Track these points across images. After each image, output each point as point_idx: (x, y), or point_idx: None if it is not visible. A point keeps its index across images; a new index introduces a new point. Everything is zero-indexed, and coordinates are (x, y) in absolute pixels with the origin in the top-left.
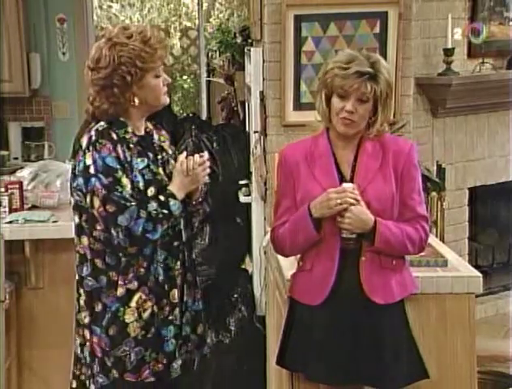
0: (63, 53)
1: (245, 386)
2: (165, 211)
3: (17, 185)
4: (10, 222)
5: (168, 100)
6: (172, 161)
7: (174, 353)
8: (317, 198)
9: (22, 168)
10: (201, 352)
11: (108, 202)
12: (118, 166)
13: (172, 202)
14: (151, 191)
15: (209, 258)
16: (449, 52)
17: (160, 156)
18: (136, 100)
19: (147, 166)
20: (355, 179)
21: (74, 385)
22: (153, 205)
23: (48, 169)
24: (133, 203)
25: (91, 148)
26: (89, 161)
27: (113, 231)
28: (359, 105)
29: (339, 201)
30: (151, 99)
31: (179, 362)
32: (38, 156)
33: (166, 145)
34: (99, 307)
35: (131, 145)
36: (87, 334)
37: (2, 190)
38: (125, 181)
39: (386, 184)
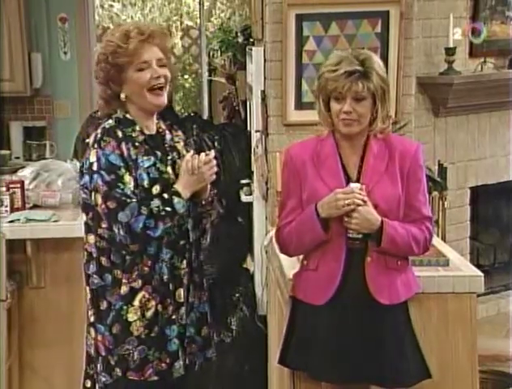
0: (65, 53)
1: (247, 386)
2: (168, 209)
3: (18, 185)
4: (12, 221)
5: (162, 101)
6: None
7: (177, 353)
8: (323, 198)
9: (23, 167)
10: (204, 355)
11: (109, 198)
12: (121, 164)
13: (176, 200)
14: (155, 189)
15: (210, 257)
16: (450, 51)
17: (170, 156)
18: (122, 95)
19: (154, 164)
20: (361, 180)
21: (88, 385)
22: (156, 202)
23: (49, 169)
24: (133, 200)
25: (96, 146)
26: (93, 159)
27: (114, 228)
28: (356, 105)
29: (346, 201)
30: (136, 94)
31: (182, 362)
32: (39, 156)
33: (180, 146)
34: (104, 305)
35: (137, 143)
36: (92, 332)
37: (4, 189)
38: (127, 178)
39: (393, 185)
